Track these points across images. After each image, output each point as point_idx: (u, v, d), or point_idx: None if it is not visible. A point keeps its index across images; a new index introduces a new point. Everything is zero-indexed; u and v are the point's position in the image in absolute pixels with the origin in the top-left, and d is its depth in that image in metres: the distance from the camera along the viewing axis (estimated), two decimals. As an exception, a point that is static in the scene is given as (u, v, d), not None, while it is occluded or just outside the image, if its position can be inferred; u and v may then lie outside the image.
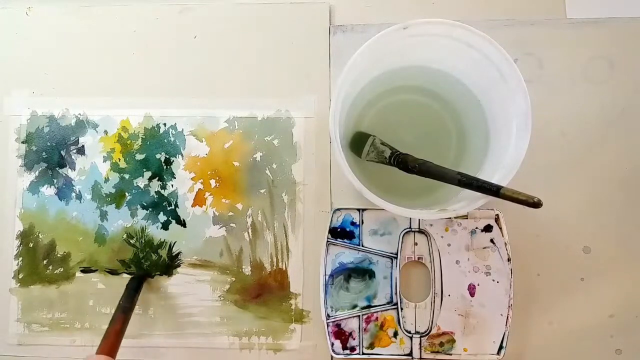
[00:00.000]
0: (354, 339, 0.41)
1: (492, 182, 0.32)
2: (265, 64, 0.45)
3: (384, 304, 0.41)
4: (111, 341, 0.35)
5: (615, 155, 0.43)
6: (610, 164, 0.43)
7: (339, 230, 0.42)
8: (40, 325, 0.42)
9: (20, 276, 0.43)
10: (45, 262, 0.43)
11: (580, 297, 0.42)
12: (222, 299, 0.42)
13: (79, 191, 0.44)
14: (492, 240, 0.41)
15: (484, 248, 0.41)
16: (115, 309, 0.38)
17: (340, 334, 0.41)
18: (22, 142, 0.44)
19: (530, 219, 0.42)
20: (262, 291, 0.42)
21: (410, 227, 0.42)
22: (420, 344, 0.40)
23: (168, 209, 0.43)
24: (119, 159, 0.44)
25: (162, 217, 0.43)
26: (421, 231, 0.42)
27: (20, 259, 0.43)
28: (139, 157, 0.44)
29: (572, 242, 0.42)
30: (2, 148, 0.44)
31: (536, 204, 0.30)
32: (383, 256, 0.41)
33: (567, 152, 0.43)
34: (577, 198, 0.42)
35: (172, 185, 0.43)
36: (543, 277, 0.42)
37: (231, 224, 0.43)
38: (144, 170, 0.44)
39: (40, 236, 0.43)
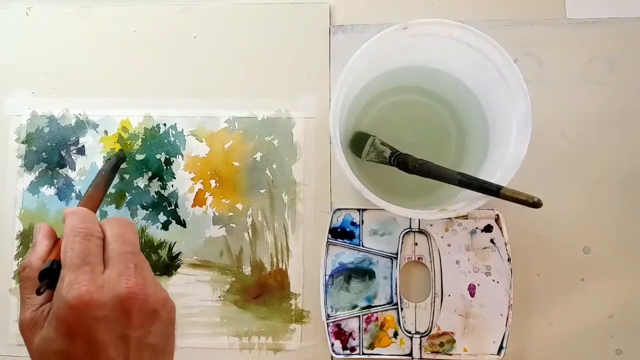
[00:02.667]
0: (354, 339, 0.41)
1: (492, 182, 0.32)
2: (265, 64, 0.45)
3: (384, 304, 0.41)
4: (93, 200, 0.35)
5: (615, 155, 0.43)
6: (610, 164, 0.43)
7: (339, 230, 0.42)
8: (40, 326, 0.42)
9: (20, 276, 0.43)
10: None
11: (580, 297, 0.42)
12: (222, 299, 0.42)
13: (79, 191, 0.44)
14: (492, 241, 0.41)
15: (484, 248, 0.41)
16: (96, 177, 0.38)
17: (341, 334, 0.41)
18: (22, 143, 0.44)
19: (530, 219, 0.42)
20: (262, 291, 0.42)
21: (410, 227, 0.42)
22: (420, 344, 0.40)
23: (168, 209, 0.43)
24: (119, 159, 0.44)
25: (162, 217, 0.43)
26: (421, 231, 0.42)
27: (21, 259, 0.43)
28: (139, 157, 0.44)
29: (572, 242, 0.42)
30: (2, 148, 0.44)
31: (536, 204, 0.30)
32: (383, 256, 0.41)
33: (567, 152, 0.43)
34: (577, 198, 0.42)
35: (172, 186, 0.43)
36: (543, 277, 0.42)
37: (231, 224, 0.43)
38: (144, 170, 0.44)
39: (40, 236, 0.43)
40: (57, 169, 0.44)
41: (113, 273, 0.28)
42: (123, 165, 0.43)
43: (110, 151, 0.44)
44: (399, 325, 0.41)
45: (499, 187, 0.32)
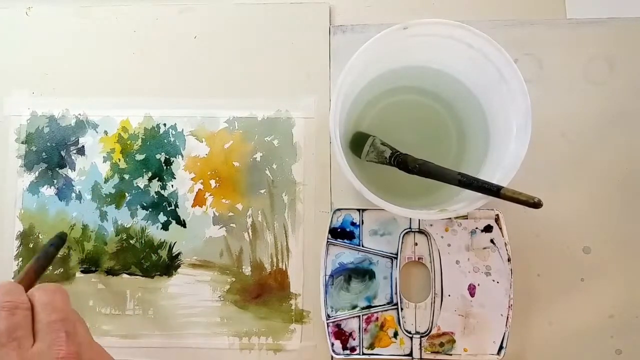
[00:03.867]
0: (354, 339, 0.41)
1: (492, 182, 0.32)
2: (265, 64, 0.45)
3: (384, 304, 0.41)
4: (29, 276, 0.35)
5: (615, 155, 0.43)
6: (610, 164, 0.43)
7: (339, 230, 0.42)
8: (40, 326, 0.42)
9: (20, 276, 0.43)
10: (45, 262, 0.43)
11: (580, 297, 0.42)
12: (222, 299, 0.42)
13: (79, 191, 0.44)
14: (492, 241, 0.41)
15: (484, 248, 0.41)
16: (37, 253, 0.38)
17: (341, 334, 0.41)
18: (22, 143, 0.44)
19: (530, 219, 0.42)
20: (262, 291, 0.42)
21: (410, 228, 0.42)
22: (420, 344, 0.40)
23: (168, 209, 0.43)
24: (119, 160, 0.44)
25: (162, 218, 0.43)
26: (421, 231, 0.42)
27: (20, 259, 0.43)
28: (139, 157, 0.44)
29: (572, 242, 0.42)
30: (2, 148, 0.44)
31: (536, 204, 0.30)
32: (383, 256, 0.41)
33: (567, 152, 0.43)
34: (577, 198, 0.42)
35: (172, 186, 0.43)
36: (543, 277, 0.42)
37: (231, 224, 0.43)
38: (144, 170, 0.44)
39: (41, 236, 0.43)
40: (57, 169, 0.44)
41: (43, 345, 0.26)
42: (125, 161, 0.43)
43: (110, 151, 0.44)
44: (399, 325, 0.41)
45: (499, 188, 0.32)
